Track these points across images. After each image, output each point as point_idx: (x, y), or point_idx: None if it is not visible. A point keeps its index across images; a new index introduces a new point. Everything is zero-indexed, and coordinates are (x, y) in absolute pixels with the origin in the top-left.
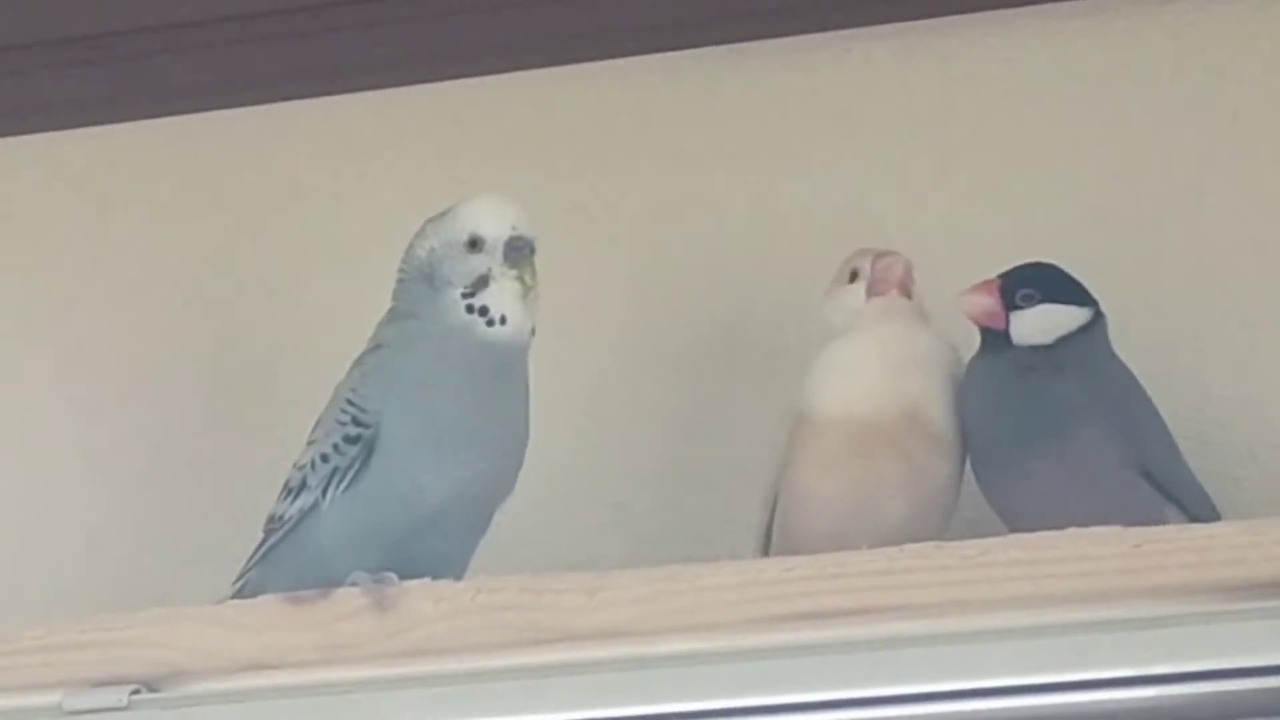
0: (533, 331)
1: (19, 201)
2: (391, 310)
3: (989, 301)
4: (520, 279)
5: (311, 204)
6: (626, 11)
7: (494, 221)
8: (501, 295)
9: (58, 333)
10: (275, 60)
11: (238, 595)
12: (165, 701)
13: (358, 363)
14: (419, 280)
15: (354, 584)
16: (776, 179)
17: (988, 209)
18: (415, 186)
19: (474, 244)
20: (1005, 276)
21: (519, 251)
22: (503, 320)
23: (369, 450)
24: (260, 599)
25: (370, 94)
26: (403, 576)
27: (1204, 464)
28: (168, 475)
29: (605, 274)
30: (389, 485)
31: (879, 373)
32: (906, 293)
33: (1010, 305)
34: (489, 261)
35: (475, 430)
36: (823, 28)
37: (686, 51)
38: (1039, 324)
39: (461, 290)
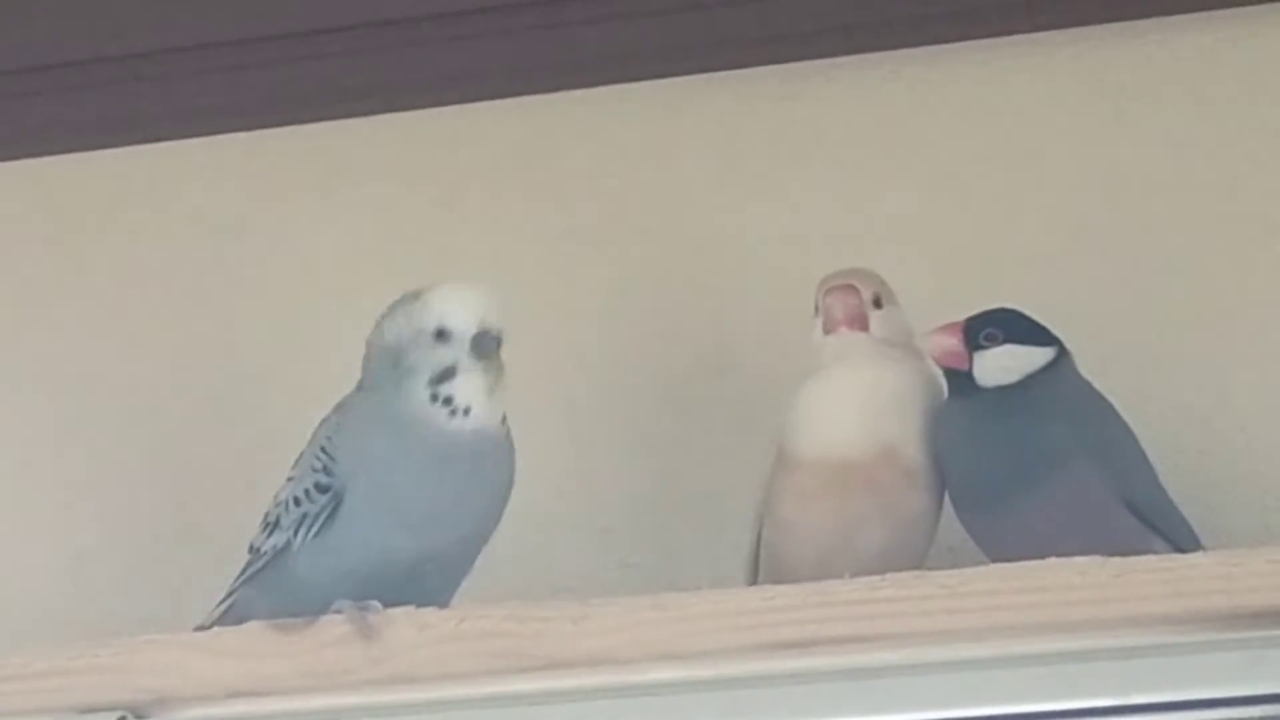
0: (503, 420)
1: (10, 226)
2: (360, 382)
3: (952, 342)
4: (486, 371)
5: (297, 231)
6: (603, 40)
7: (462, 314)
8: (468, 386)
9: (41, 358)
10: (256, 87)
11: (224, 615)
12: None
13: (337, 408)
14: (384, 362)
15: (338, 611)
16: (758, 207)
17: (968, 237)
18: (396, 214)
19: (441, 335)
20: (969, 320)
21: (485, 346)
22: (466, 412)
23: (338, 501)
24: (246, 626)
25: (351, 121)
26: (386, 605)
27: (1184, 492)
28: (153, 501)
29: (588, 301)
30: (356, 541)
31: (851, 414)
32: (860, 326)
33: (974, 346)
34: (456, 353)
35: (443, 508)
36: (803, 57)
37: (666, 80)
38: (1002, 364)
39: (428, 378)
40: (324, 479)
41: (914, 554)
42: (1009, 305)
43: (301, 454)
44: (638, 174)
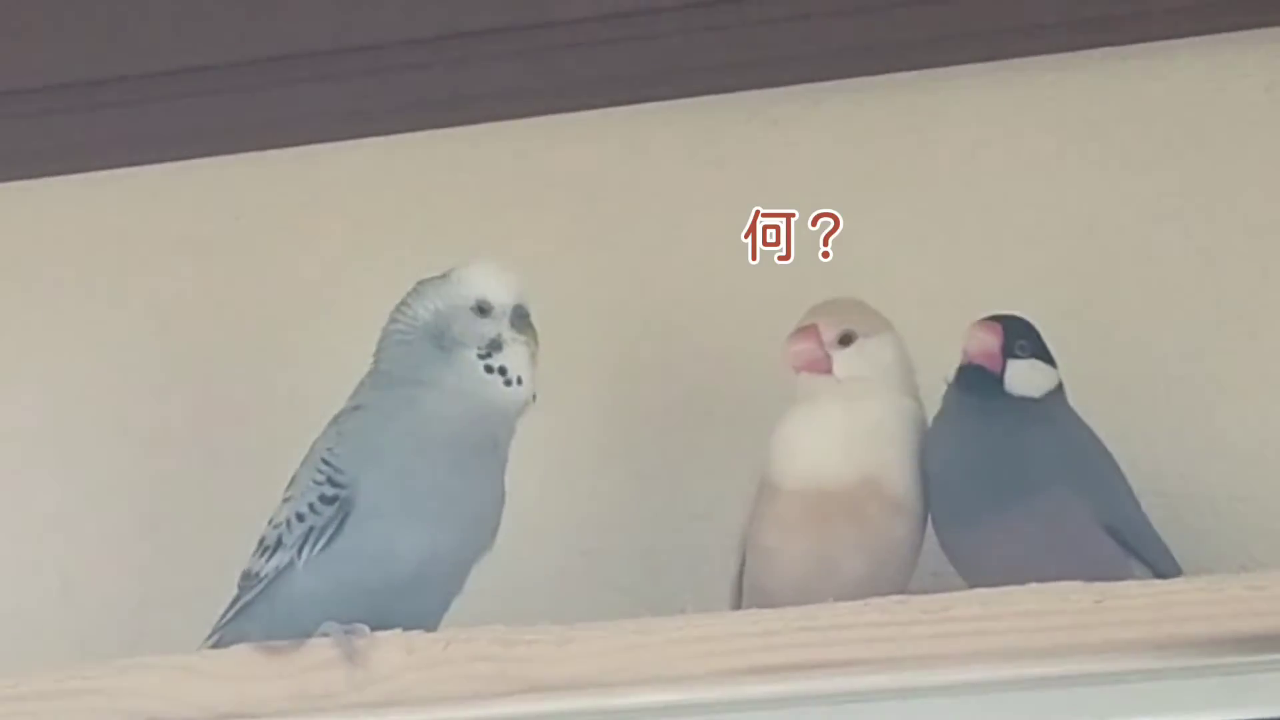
0: (534, 398)
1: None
2: (377, 373)
3: (992, 342)
4: (528, 344)
5: (292, 254)
6: (594, 64)
7: (501, 288)
8: (516, 358)
9: (33, 378)
10: (254, 110)
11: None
12: None
13: (335, 421)
14: (424, 340)
15: (325, 634)
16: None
17: (962, 260)
18: (390, 236)
19: (482, 308)
20: (1005, 323)
21: (524, 319)
22: (519, 381)
23: (345, 512)
24: (234, 648)
25: (346, 144)
26: (375, 630)
27: (1165, 516)
28: (143, 524)
29: (575, 324)
30: (365, 548)
31: (827, 446)
32: (820, 369)
33: (1009, 352)
34: (498, 326)
35: (455, 497)
36: (793, 80)
37: (656, 104)
38: (1032, 378)
39: (476, 350)
40: (329, 490)
41: (895, 582)
42: None
43: (295, 475)
44: (628, 200)
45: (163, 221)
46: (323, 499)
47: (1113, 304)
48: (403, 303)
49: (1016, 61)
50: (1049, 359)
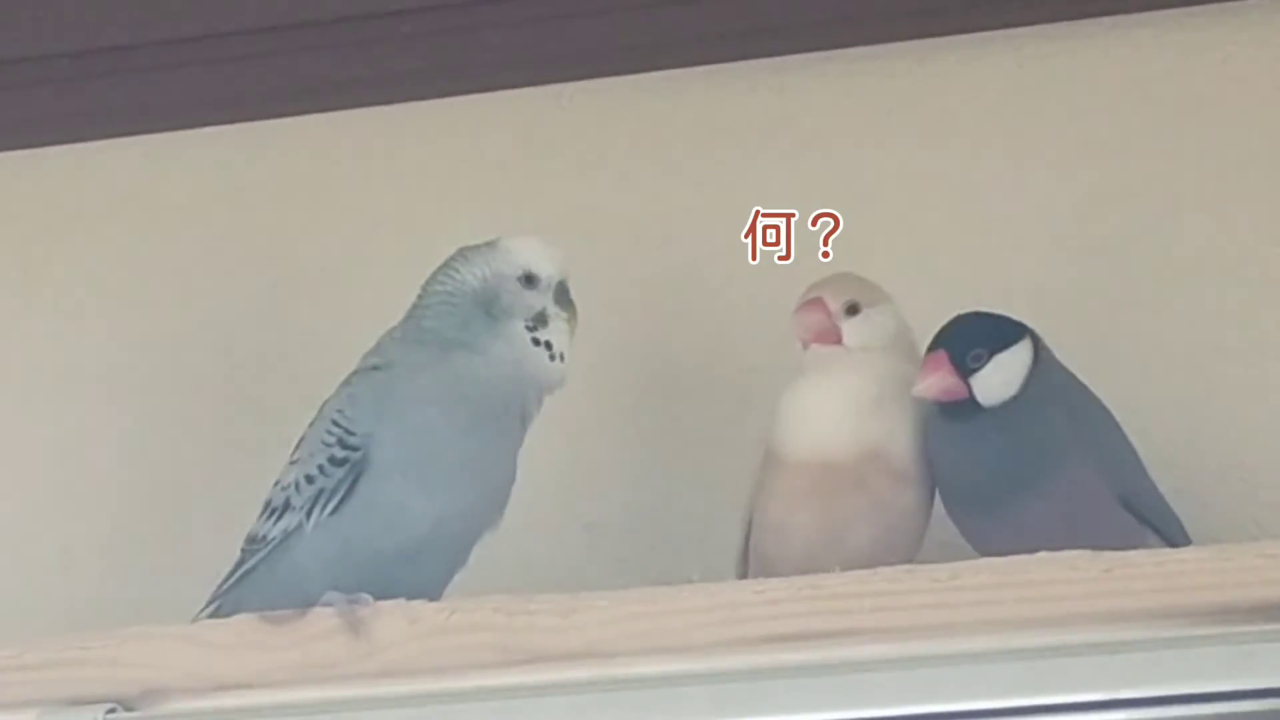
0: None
1: (6, 216)
2: (414, 330)
3: (950, 379)
4: (570, 320)
5: (298, 221)
6: (597, 33)
7: (548, 262)
8: (559, 334)
9: (32, 348)
10: (268, 76)
11: (212, 616)
12: None
13: (347, 383)
14: (472, 306)
15: (328, 604)
16: (752, 201)
17: (955, 232)
18: (395, 204)
19: (529, 280)
20: (946, 345)
21: (566, 295)
22: (562, 358)
23: (356, 473)
24: (236, 618)
25: (354, 112)
26: (379, 599)
27: (1172, 487)
28: (143, 494)
29: (581, 294)
30: (376, 510)
31: (834, 417)
32: (830, 340)
33: (965, 371)
34: (543, 300)
35: (472, 462)
36: (797, 50)
37: (658, 73)
38: (999, 378)
39: (524, 322)
40: (339, 451)
41: (903, 552)
42: (994, 302)
43: (303, 437)
44: (631, 169)
45: (169, 188)
46: (332, 460)
47: (1115, 275)
48: (447, 266)
49: (1022, 30)
50: (1013, 336)
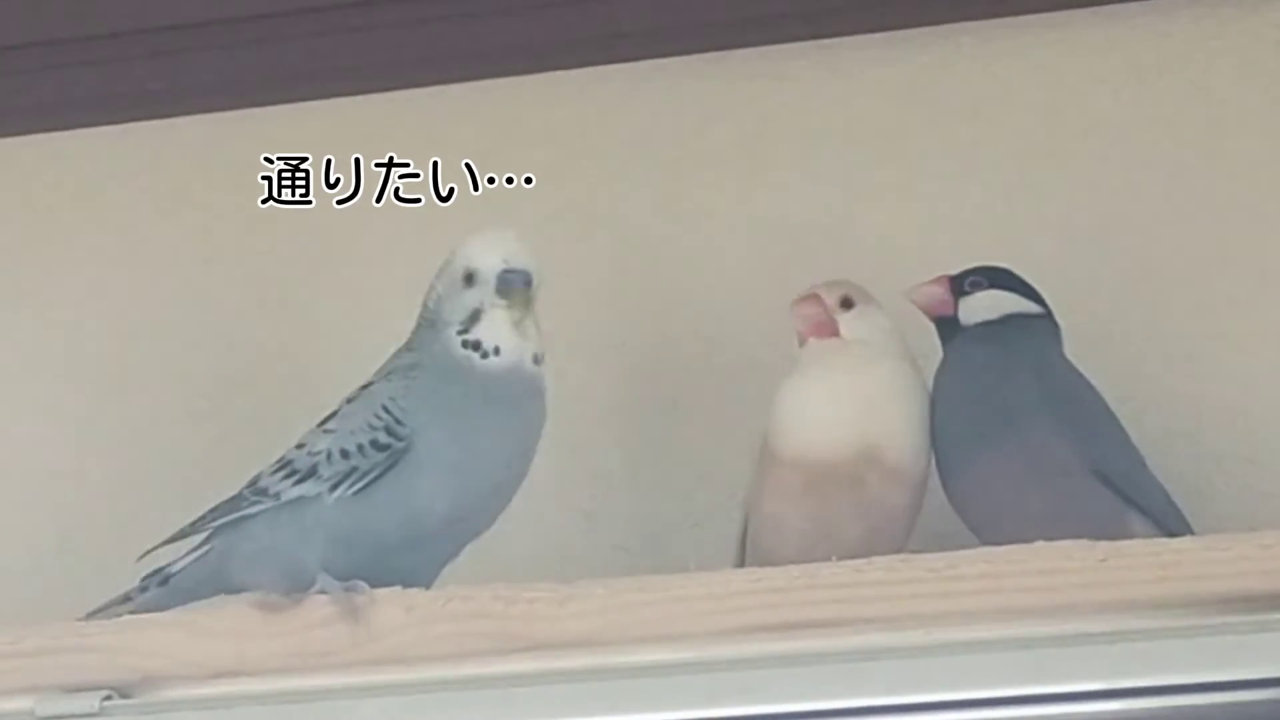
0: (536, 360)
1: (6, 202)
2: (405, 345)
3: (938, 291)
4: (511, 308)
5: (302, 209)
6: (601, 20)
7: (487, 255)
8: (494, 327)
9: (29, 334)
10: (275, 62)
11: (196, 558)
12: (137, 708)
13: (396, 372)
14: (425, 324)
15: (323, 591)
16: (752, 189)
17: (966, 219)
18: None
19: (469, 279)
20: (965, 273)
21: (509, 283)
22: (496, 351)
23: (393, 462)
24: (233, 606)
25: (352, 99)
26: (373, 585)
27: (1171, 476)
28: (141, 479)
29: (579, 283)
30: (402, 501)
31: (829, 415)
32: (828, 333)
33: (959, 293)
34: (481, 295)
35: (486, 459)
36: (797, 37)
37: (662, 60)
38: (985, 304)
39: (457, 326)
40: (383, 438)
41: (891, 545)
42: None
43: (342, 410)
44: (632, 157)
45: (172, 173)
46: (375, 444)
47: (1115, 263)
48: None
49: (1025, 18)
50: (1026, 293)
